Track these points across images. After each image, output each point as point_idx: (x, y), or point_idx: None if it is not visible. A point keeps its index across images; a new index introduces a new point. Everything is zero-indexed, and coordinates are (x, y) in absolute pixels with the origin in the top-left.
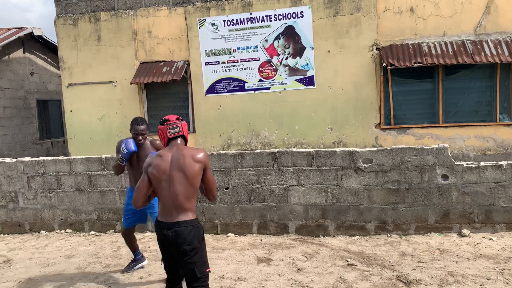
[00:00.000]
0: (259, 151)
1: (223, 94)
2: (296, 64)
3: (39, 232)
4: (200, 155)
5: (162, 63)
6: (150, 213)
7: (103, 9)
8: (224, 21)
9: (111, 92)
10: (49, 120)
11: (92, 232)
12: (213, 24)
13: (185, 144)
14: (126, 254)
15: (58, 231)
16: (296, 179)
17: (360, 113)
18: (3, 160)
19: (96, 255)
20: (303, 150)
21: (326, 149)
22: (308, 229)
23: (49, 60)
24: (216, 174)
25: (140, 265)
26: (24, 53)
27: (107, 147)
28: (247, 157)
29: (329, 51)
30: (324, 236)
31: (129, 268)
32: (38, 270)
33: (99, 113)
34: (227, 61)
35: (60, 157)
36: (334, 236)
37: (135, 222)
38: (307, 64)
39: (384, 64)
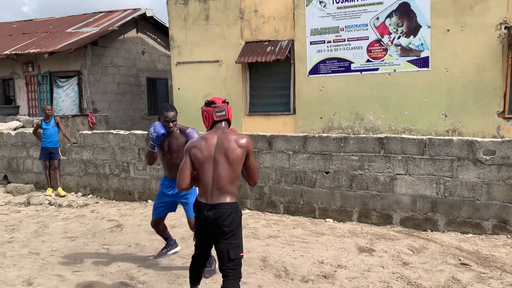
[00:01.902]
0: (364, 135)
1: (327, 75)
2: (410, 43)
3: (146, 201)
4: (243, 141)
5: (266, 43)
6: (183, 202)
7: None
8: None
9: (216, 71)
10: (156, 97)
11: None
12: (321, 2)
13: (229, 127)
14: None
15: None
16: (404, 168)
17: (481, 99)
18: (118, 132)
19: None
20: (414, 137)
21: (441, 137)
22: (414, 221)
23: (158, 40)
24: (317, 157)
25: (173, 250)
26: (137, 33)
27: None
28: (350, 141)
29: (448, 30)
30: (432, 231)
31: (162, 253)
32: (146, 237)
33: (204, 91)
34: (333, 40)
35: None
36: (443, 232)
37: (165, 211)
38: (421, 44)
39: None
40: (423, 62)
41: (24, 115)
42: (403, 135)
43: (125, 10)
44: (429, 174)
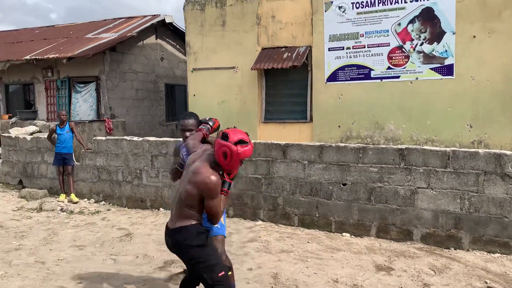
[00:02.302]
0: (383, 146)
1: (345, 82)
2: (433, 50)
3: (158, 209)
4: (199, 181)
5: (283, 49)
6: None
7: None
8: (352, 3)
9: (232, 78)
10: (175, 103)
11: None
12: (340, 7)
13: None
14: (237, 242)
15: None
16: (426, 181)
17: (509, 109)
18: (132, 138)
19: None
20: (437, 148)
21: (466, 149)
22: (436, 238)
23: (177, 46)
24: (333, 168)
25: None
26: (156, 39)
27: None
28: (369, 152)
29: (474, 36)
30: (455, 249)
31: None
32: (155, 248)
33: (220, 98)
34: (352, 46)
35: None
36: (468, 251)
37: None
38: (445, 51)
39: None
40: (447, 70)
41: (43, 120)
42: (425, 147)
43: (145, 16)
44: (453, 189)
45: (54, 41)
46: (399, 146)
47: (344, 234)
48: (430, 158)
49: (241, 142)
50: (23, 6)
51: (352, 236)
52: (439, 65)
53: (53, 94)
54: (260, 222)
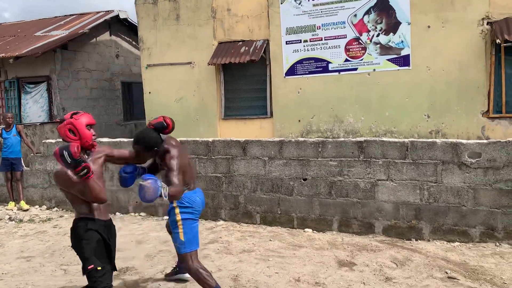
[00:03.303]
0: (342, 139)
1: (304, 76)
2: (389, 41)
3: (114, 214)
4: (54, 180)
5: (240, 43)
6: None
7: None
8: None
9: (189, 74)
10: (132, 102)
11: (166, 217)
12: None
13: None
14: None
15: (132, 213)
16: (385, 173)
17: (464, 98)
18: None
19: (166, 243)
20: (396, 139)
21: (423, 140)
22: (397, 230)
23: (133, 43)
24: (294, 163)
25: (180, 276)
26: (110, 36)
27: (184, 130)
28: (328, 145)
29: (429, 27)
30: (416, 240)
31: (170, 275)
32: None
33: (177, 95)
34: (309, 39)
35: None
36: (429, 241)
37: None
38: (402, 41)
39: (498, 41)
40: (403, 61)
41: None
42: (384, 138)
43: (98, 13)
44: (412, 179)
45: (0, 40)
46: (358, 139)
47: (306, 229)
48: (389, 149)
49: (75, 113)
50: None
51: (315, 231)
52: (395, 56)
53: (1, 96)
54: (221, 222)
